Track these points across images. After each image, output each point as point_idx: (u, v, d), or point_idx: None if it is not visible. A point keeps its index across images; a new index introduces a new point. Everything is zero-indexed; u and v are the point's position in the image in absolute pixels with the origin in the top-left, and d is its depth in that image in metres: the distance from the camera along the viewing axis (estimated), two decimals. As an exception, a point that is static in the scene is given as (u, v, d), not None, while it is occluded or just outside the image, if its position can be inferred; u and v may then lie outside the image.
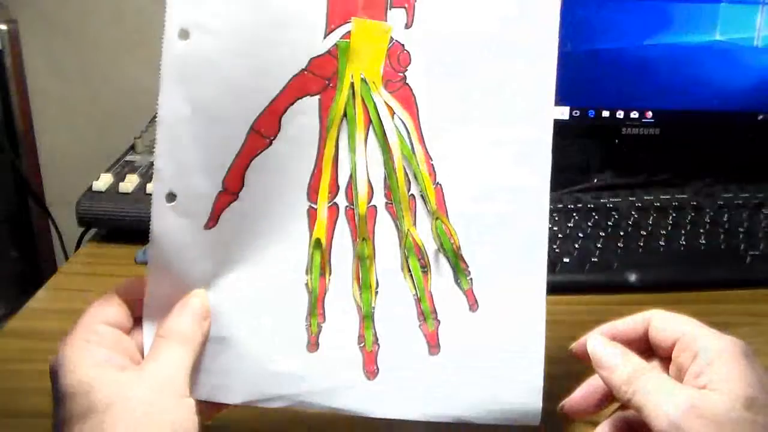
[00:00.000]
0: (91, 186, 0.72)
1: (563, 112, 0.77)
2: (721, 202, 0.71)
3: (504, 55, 0.40)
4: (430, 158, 0.40)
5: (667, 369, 0.39)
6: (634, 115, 0.78)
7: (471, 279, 0.40)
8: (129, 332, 0.38)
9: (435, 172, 0.40)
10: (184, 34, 0.37)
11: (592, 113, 0.78)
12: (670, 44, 0.75)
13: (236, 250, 0.39)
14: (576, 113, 0.77)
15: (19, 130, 0.95)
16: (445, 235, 0.40)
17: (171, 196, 0.38)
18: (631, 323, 0.40)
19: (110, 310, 0.37)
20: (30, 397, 0.48)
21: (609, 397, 0.40)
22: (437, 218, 0.40)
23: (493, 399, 0.39)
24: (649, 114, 0.78)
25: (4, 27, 0.90)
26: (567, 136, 0.79)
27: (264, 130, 0.39)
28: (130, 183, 0.72)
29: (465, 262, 0.40)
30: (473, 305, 0.40)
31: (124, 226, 0.69)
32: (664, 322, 0.39)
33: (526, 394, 0.39)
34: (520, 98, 0.40)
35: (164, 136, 0.38)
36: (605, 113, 0.78)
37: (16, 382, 0.51)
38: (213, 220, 0.39)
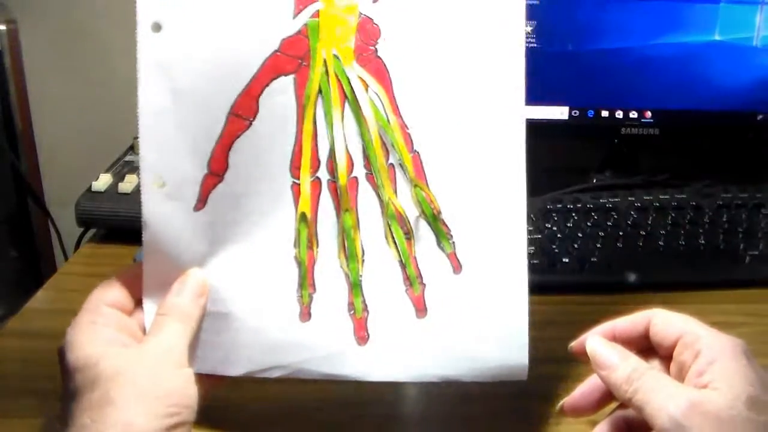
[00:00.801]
0: (90, 186, 0.72)
1: (563, 112, 0.77)
2: (721, 202, 0.71)
3: (473, 21, 0.41)
4: (406, 127, 0.41)
5: (667, 368, 0.39)
6: (634, 115, 0.78)
7: (453, 242, 0.42)
8: (131, 313, 0.40)
9: (412, 140, 0.41)
10: (156, 27, 0.39)
11: (591, 113, 0.78)
12: (669, 44, 0.75)
13: (226, 229, 0.41)
14: (575, 113, 0.77)
15: (18, 130, 0.94)
16: (425, 202, 0.41)
17: (159, 182, 0.40)
18: (631, 322, 0.40)
19: (113, 293, 0.40)
20: (30, 397, 0.48)
21: (608, 396, 0.40)
22: (416, 185, 0.41)
23: (481, 357, 0.41)
24: (649, 114, 0.78)
25: (3, 27, 0.90)
26: (566, 136, 0.79)
27: (243, 112, 0.40)
28: (129, 183, 0.72)
29: (446, 226, 0.41)
30: (457, 268, 0.41)
31: (124, 226, 0.69)
32: (665, 320, 0.39)
33: (512, 350, 0.40)
34: (490, 62, 0.41)
35: (147, 126, 0.39)
36: (604, 113, 0.78)
37: (16, 382, 0.51)
38: (201, 202, 0.40)
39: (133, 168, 0.76)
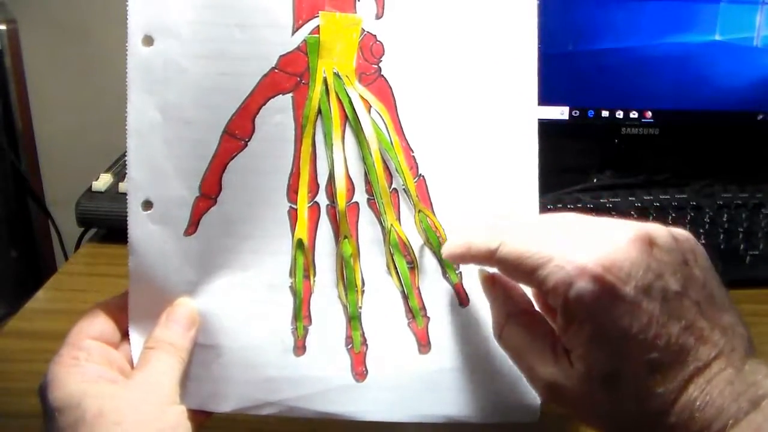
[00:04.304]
0: (90, 186, 0.72)
1: (563, 112, 0.77)
2: (721, 202, 0.70)
3: (481, 40, 0.39)
4: (411, 150, 0.39)
5: None
6: (634, 115, 0.78)
7: (460, 273, 0.40)
8: (117, 346, 0.38)
9: (417, 164, 0.39)
10: (147, 40, 0.37)
11: (591, 113, 0.78)
12: (669, 44, 0.75)
13: (218, 256, 0.39)
14: (575, 113, 0.77)
15: (18, 130, 0.94)
16: (431, 229, 0.39)
17: (147, 204, 0.38)
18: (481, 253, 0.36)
19: (96, 326, 0.37)
20: (30, 397, 0.48)
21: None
22: (420, 212, 0.39)
23: (489, 397, 0.39)
24: (649, 114, 0.78)
25: (3, 27, 0.90)
26: (566, 136, 0.79)
27: (238, 132, 0.38)
28: (129, 183, 0.72)
29: None
30: (464, 300, 0.40)
31: (124, 226, 0.69)
32: (511, 253, 0.33)
33: (522, 389, 0.38)
34: (500, 84, 0.39)
35: (135, 144, 0.37)
36: (605, 113, 0.78)
37: (16, 382, 0.50)
38: (192, 226, 0.38)
39: (133, 168, 0.76)
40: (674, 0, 0.74)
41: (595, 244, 0.31)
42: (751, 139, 0.81)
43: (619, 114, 0.78)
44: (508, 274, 0.34)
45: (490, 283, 0.37)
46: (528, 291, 0.37)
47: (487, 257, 0.34)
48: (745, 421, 0.28)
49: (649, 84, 0.77)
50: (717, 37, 0.74)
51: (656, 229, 0.31)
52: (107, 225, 0.72)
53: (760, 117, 0.78)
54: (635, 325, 0.29)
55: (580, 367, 0.31)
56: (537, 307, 0.37)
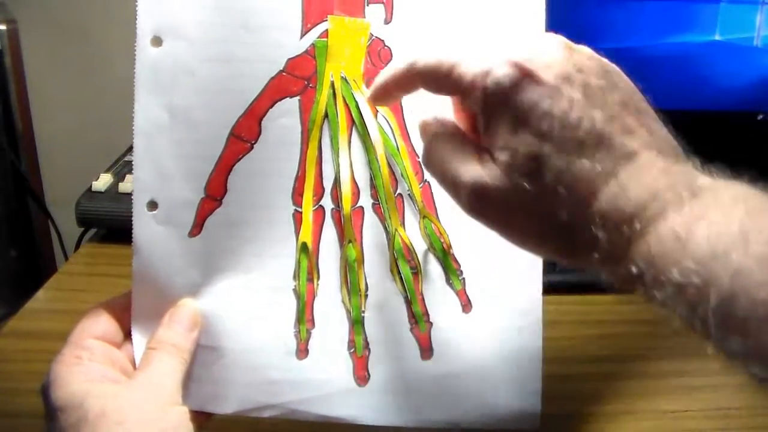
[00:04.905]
0: (90, 186, 0.72)
1: (563, 112, 0.77)
2: (721, 202, 0.70)
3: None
4: (417, 156, 0.39)
5: None
6: (634, 115, 0.78)
7: (463, 279, 0.40)
8: (120, 346, 0.38)
9: (422, 169, 0.39)
10: (156, 41, 0.37)
11: (591, 113, 0.78)
12: (669, 44, 0.75)
13: (222, 258, 0.39)
14: (576, 113, 0.77)
15: (18, 130, 0.94)
16: (435, 235, 0.39)
17: (152, 205, 0.38)
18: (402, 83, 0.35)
19: (99, 325, 0.37)
20: (30, 397, 0.48)
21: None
22: (425, 217, 0.39)
23: (489, 404, 0.39)
24: (649, 114, 0.78)
25: (3, 27, 0.90)
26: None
27: (244, 134, 0.38)
28: (129, 183, 0.71)
29: (457, 262, 0.40)
30: (466, 306, 0.40)
31: (124, 226, 0.69)
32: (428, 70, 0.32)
33: (523, 397, 0.39)
34: None
35: (142, 145, 0.37)
36: (605, 113, 0.78)
37: (16, 382, 0.50)
38: (197, 227, 0.38)
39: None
40: (674, 0, 0.74)
41: (512, 42, 0.30)
42: (751, 139, 0.81)
43: (619, 114, 0.78)
44: (428, 86, 0.33)
45: (424, 125, 0.35)
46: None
47: (407, 73, 0.33)
48: (687, 206, 0.27)
49: (649, 84, 0.76)
50: (717, 37, 0.74)
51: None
52: (107, 225, 0.71)
53: (760, 117, 0.78)
54: (556, 107, 0.28)
55: (503, 158, 0.29)
56: (462, 127, 0.34)
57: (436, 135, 0.33)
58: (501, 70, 0.29)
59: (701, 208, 0.27)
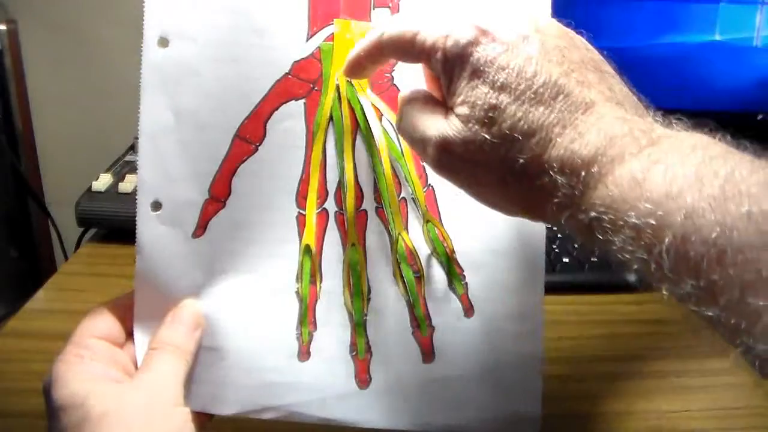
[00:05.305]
0: (90, 186, 0.72)
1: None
2: (721, 202, 0.70)
3: None
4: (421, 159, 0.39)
5: None
6: (634, 115, 0.78)
7: (466, 284, 0.40)
8: (122, 346, 0.38)
9: (426, 174, 0.40)
10: (163, 42, 0.37)
11: (591, 113, 0.78)
12: (669, 44, 0.75)
13: (225, 259, 0.38)
14: (576, 113, 0.77)
15: (18, 130, 0.94)
16: (438, 239, 0.39)
17: (156, 206, 0.38)
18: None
19: (101, 325, 0.37)
20: (30, 397, 0.48)
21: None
22: (428, 221, 0.39)
23: (490, 408, 0.39)
24: (649, 114, 0.78)
25: (4, 27, 0.90)
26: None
27: (249, 136, 0.38)
28: (129, 183, 0.72)
29: (460, 267, 0.40)
30: (469, 311, 0.40)
31: (124, 226, 0.69)
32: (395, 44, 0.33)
33: (524, 401, 0.39)
34: None
35: (147, 145, 0.37)
36: (605, 113, 0.78)
37: (16, 382, 0.50)
38: (201, 228, 0.38)
39: (133, 168, 0.76)
40: (674, 0, 0.74)
41: (473, 12, 0.31)
42: (751, 139, 0.81)
43: (619, 114, 0.78)
44: (396, 54, 0.33)
45: (400, 97, 0.36)
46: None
47: (376, 44, 0.33)
48: (646, 152, 0.27)
49: (649, 84, 0.76)
50: (717, 37, 0.74)
51: None
52: (107, 225, 0.71)
53: (760, 117, 0.78)
54: (513, 62, 0.29)
55: (463, 111, 0.30)
56: (435, 95, 0.35)
57: (409, 101, 0.34)
58: (459, 32, 0.30)
59: (659, 154, 0.27)
